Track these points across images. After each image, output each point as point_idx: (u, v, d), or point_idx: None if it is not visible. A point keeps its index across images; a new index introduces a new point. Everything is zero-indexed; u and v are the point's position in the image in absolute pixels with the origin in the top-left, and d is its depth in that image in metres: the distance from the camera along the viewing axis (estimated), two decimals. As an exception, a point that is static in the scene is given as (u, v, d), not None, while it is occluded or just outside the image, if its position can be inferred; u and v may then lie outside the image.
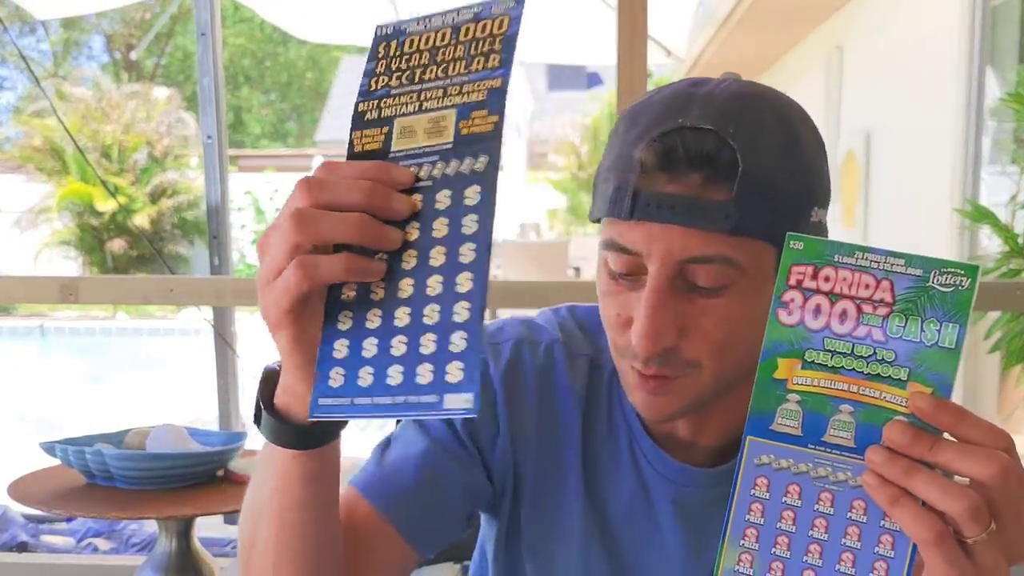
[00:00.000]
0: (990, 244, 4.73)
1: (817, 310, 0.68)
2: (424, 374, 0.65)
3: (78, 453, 2.39)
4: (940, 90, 5.40)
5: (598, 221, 0.94)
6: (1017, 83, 4.77)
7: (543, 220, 15.09)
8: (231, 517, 3.54)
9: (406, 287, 0.67)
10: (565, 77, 22.45)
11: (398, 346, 0.66)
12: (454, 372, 0.64)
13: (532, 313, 1.11)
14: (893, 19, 6.39)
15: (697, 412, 0.95)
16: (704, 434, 0.98)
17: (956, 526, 0.64)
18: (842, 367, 0.67)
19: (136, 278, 3.75)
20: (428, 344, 0.65)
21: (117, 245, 13.75)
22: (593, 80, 22.28)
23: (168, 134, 14.63)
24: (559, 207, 15.34)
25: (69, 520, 3.68)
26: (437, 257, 0.66)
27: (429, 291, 0.66)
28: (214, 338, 3.60)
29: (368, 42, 0.74)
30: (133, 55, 21.80)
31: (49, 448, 2.46)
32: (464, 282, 0.65)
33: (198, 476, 2.46)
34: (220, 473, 2.52)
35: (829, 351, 0.67)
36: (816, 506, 0.68)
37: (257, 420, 0.80)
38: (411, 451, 0.99)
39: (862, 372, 0.67)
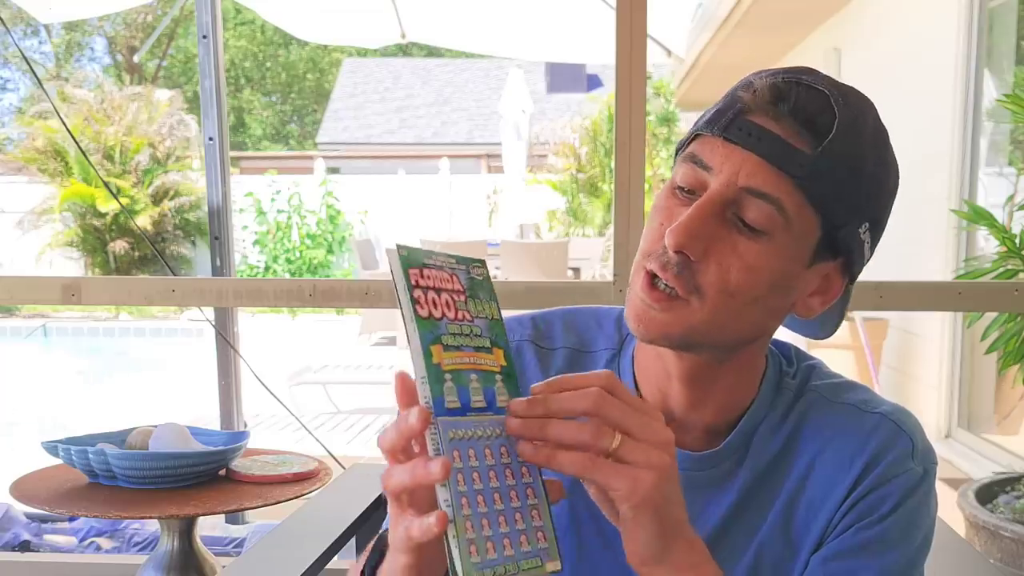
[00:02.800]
0: (987, 245, 4.75)
1: (435, 303, 0.80)
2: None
3: (80, 453, 2.39)
4: (937, 92, 5.42)
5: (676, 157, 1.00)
6: (1014, 85, 4.78)
7: (543, 221, 15.09)
8: (233, 516, 3.56)
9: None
10: (564, 79, 22.46)
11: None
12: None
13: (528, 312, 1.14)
14: (891, 21, 6.40)
15: (691, 379, 1.00)
16: (700, 409, 1.02)
17: (597, 448, 0.81)
18: (462, 345, 0.80)
19: (138, 279, 3.76)
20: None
21: (119, 246, 13.74)
22: (593, 82, 22.28)
23: (170, 136, 14.61)
24: (558, 208, 15.33)
25: (71, 519, 3.67)
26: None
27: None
28: (216, 338, 3.63)
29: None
30: (136, 58, 21.82)
31: (51, 448, 2.46)
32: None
33: (200, 475, 2.45)
34: (222, 472, 2.52)
35: (452, 333, 0.80)
36: (486, 461, 0.79)
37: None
38: None
39: (472, 346, 0.81)
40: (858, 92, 0.96)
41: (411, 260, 0.80)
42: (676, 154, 1.01)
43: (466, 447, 0.79)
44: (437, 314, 0.80)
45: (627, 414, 0.81)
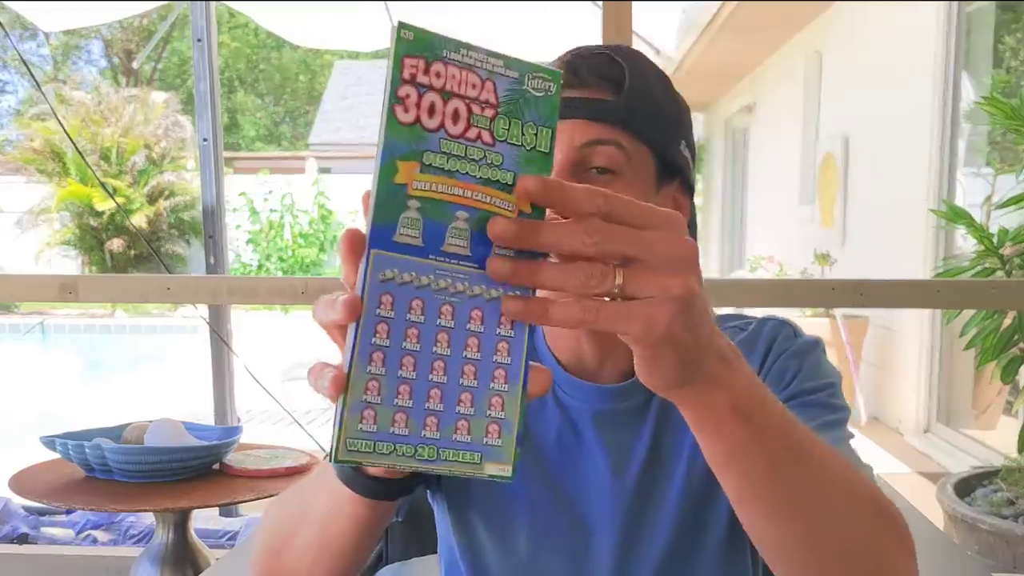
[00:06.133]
0: (965, 244, 4.79)
1: (432, 108, 0.61)
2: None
3: (77, 447, 2.43)
4: (916, 94, 5.45)
5: None
6: (991, 87, 4.83)
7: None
8: (226, 509, 3.60)
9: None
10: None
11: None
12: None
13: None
14: (871, 25, 6.43)
15: (597, 334, 1.05)
16: (608, 361, 1.09)
17: (597, 294, 0.63)
18: (457, 171, 0.62)
19: (134, 277, 3.76)
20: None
21: (116, 245, 13.76)
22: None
23: (165, 137, 14.62)
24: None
25: (69, 512, 3.70)
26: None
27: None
28: (210, 335, 3.66)
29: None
30: (135, 64, 21.77)
31: (49, 442, 2.49)
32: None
33: (194, 469, 2.49)
34: (216, 467, 2.56)
35: (445, 153, 0.61)
36: (438, 320, 0.63)
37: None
38: None
39: (475, 176, 0.62)
40: (627, 46, 1.10)
41: (416, 47, 0.61)
42: None
43: (408, 295, 0.62)
44: (430, 123, 0.61)
45: (631, 240, 0.63)
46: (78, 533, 3.65)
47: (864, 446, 5.55)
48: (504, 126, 0.62)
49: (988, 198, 4.08)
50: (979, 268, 3.43)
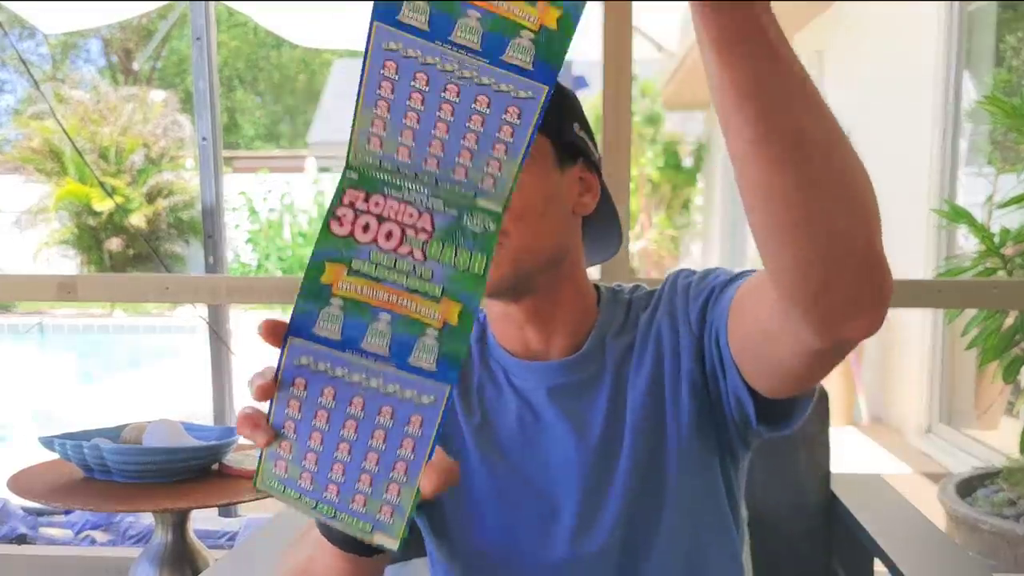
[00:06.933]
0: (967, 244, 4.79)
1: (366, 227, 0.68)
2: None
3: (76, 447, 2.41)
4: (918, 93, 5.46)
5: None
6: (993, 86, 4.83)
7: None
8: (225, 510, 3.59)
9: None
10: (551, 80, 22.39)
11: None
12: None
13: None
14: (872, 25, 6.43)
15: (537, 317, 1.14)
16: (553, 342, 1.17)
17: None
18: (384, 278, 0.68)
19: (133, 276, 3.74)
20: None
21: (114, 244, 13.74)
22: (579, 83, 22.27)
23: (164, 136, 14.58)
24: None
25: (67, 513, 3.69)
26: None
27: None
28: (209, 335, 3.65)
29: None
30: (135, 66, 21.77)
31: (48, 443, 2.47)
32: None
33: (194, 470, 2.48)
34: (215, 467, 2.55)
35: (374, 262, 0.68)
36: (348, 409, 0.69)
37: None
38: None
39: (402, 284, 0.68)
40: None
41: (359, 184, 0.68)
42: None
43: (321, 382, 0.69)
44: (363, 237, 0.68)
45: None
46: (77, 533, 3.63)
47: (865, 446, 5.56)
48: (437, 248, 0.68)
49: (990, 198, 4.05)
50: (981, 268, 3.40)
